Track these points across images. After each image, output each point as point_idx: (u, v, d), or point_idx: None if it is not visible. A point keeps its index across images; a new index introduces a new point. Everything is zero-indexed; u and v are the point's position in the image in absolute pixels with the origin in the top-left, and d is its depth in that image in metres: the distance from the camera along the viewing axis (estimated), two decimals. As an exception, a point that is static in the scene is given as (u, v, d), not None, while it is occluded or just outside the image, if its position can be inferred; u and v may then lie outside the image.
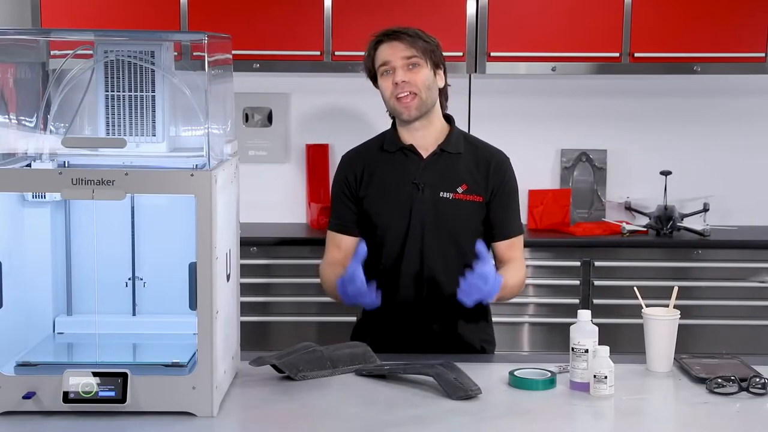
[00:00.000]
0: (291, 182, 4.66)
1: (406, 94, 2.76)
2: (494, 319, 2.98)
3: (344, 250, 2.86)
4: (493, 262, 2.62)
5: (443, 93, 2.87)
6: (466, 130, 4.02)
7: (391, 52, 2.78)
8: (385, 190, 2.83)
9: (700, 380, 2.40)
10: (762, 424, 2.20)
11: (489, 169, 2.83)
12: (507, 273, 2.75)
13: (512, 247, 2.86)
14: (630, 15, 4.26)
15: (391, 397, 2.31)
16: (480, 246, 2.58)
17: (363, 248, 2.59)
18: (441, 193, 2.80)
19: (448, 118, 2.90)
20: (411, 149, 2.84)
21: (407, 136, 2.85)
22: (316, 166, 4.60)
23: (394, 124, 2.89)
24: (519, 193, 2.91)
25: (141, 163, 2.29)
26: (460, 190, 2.81)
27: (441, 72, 2.84)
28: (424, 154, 2.84)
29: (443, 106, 2.89)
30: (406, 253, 2.79)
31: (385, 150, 2.86)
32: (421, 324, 2.80)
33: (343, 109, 4.63)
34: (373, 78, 2.86)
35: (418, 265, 2.80)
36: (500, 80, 4.56)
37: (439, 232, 2.79)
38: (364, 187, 2.85)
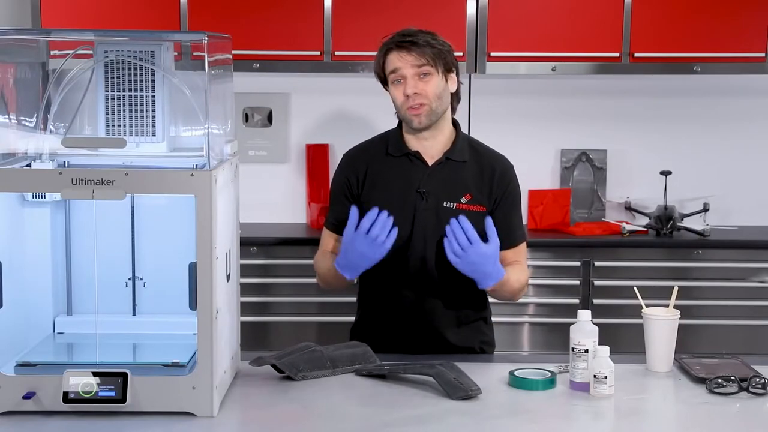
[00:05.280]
0: (291, 182, 4.66)
1: (417, 105, 2.73)
2: (494, 319, 2.98)
3: None
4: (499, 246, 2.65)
5: (455, 95, 2.82)
6: (467, 131, 4.03)
7: (402, 62, 2.72)
8: (389, 196, 2.79)
9: (700, 380, 2.40)
10: (762, 424, 2.20)
11: (493, 177, 2.81)
12: (511, 271, 2.76)
13: (515, 254, 2.85)
14: (630, 15, 4.27)
15: (391, 397, 2.31)
16: (488, 223, 2.63)
17: (355, 214, 2.62)
18: (445, 202, 2.78)
19: (454, 123, 2.86)
20: (417, 156, 2.80)
21: (414, 142, 2.81)
22: (316, 166, 4.60)
23: (399, 126, 2.86)
24: (521, 199, 2.90)
25: (141, 163, 2.28)
26: (463, 200, 2.79)
27: (453, 75, 2.79)
28: (430, 162, 2.80)
29: (453, 109, 2.85)
30: (408, 260, 2.78)
31: (390, 154, 2.83)
32: (421, 328, 2.80)
33: (343, 109, 4.63)
34: (383, 81, 2.82)
35: (420, 272, 2.79)
36: (500, 80, 4.56)
37: (441, 241, 2.78)
38: (367, 191, 2.83)
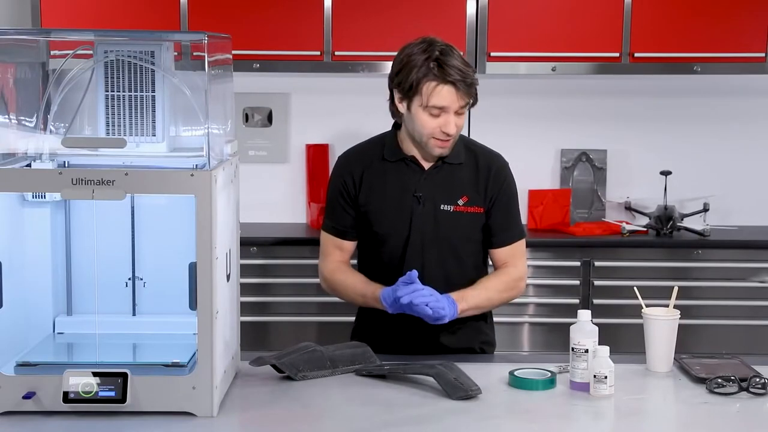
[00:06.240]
0: (291, 182, 4.66)
1: (447, 139, 2.71)
2: (494, 319, 2.98)
3: (346, 252, 2.86)
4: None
5: None
6: (466, 131, 4.03)
7: (451, 100, 2.67)
8: (386, 200, 2.79)
9: (700, 380, 2.40)
10: (762, 424, 2.20)
11: (488, 176, 2.80)
12: (478, 286, 2.75)
13: (509, 253, 2.84)
14: (630, 15, 4.27)
15: (391, 397, 2.31)
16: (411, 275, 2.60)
17: (414, 274, 2.60)
18: (442, 205, 2.77)
19: None
20: (413, 160, 2.79)
21: (410, 147, 2.79)
22: (316, 166, 4.60)
23: (395, 129, 2.84)
24: (519, 196, 2.88)
25: (141, 163, 2.28)
26: (460, 202, 2.78)
27: None
28: (426, 166, 2.79)
29: None
30: (406, 263, 2.77)
31: (386, 159, 2.81)
32: (421, 329, 2.79)
33: (343, 109, 4.63)
34: (400, 87, 2.70)
35: (419, 274, 2.77)
36: (500, 80, 4.56)
37: (439, 244, 2.77)
38: (364, 194, 2.81)
